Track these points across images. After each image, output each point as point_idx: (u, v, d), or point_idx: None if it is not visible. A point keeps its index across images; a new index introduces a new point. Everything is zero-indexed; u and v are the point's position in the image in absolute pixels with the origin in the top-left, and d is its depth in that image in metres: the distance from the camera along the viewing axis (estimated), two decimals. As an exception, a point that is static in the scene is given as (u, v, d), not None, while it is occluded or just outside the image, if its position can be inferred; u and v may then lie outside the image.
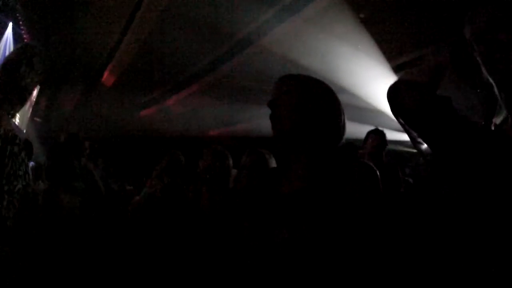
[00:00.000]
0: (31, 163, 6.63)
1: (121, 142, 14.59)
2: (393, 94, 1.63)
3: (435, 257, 1.40)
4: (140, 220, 4.36)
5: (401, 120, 1.59)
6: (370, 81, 9.19)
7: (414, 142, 1.64)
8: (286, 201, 1.68)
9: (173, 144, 11.00)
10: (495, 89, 1.43)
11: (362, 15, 7.95)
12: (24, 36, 10.94)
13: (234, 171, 4.02)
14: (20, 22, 10.60)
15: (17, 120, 12.19)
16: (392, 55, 8.74)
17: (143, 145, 14.81)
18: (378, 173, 1.67)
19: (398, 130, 11.70)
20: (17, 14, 10.37)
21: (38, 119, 13.60)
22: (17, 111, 2.26)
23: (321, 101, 1.77)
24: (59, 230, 3.08)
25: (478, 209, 1.34)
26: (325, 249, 1.53)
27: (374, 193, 1.64)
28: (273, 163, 3.31)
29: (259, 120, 11.88)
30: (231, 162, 3.66)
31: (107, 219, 4.15)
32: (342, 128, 1.82)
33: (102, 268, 3.72)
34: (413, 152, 11.70)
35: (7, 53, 10.61)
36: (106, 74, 13.14)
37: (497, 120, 1.54)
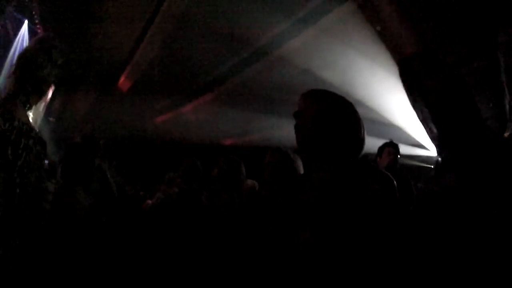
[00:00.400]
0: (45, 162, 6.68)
1: (134, 146, 14.62)
2: (412, 68, 1.35)
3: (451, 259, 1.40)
4: (151, 224, 4.37)
5: (417, 103, 1.34)
6: (384, 94, 9.16)
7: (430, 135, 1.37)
8: (309, 206, 1.76)
9: (187, 151, 11.03)
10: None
11: (378, 27, 7.94)
12: (40, 34, 11.01)
13: (250, 182, 4.03)
14: (36, 21, 10.66)
15: (30, 118, 12.21)
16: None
17: (156, 151, 14.85)
18: (395, 183, 1.70)
19: (411, 145, 11.62)
20: (33, 13, 10.43)
21: (52, 119, 13.65)
22: (34, 103, 2.21)
23: (343, 114, 1.91)
24: (73, 229, 3.09)
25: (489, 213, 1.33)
26: (344, 250, 1.60)
27: (392, 200, 1.68)
28: (298, 162, 3.33)
29: (273, 130, 11.88)
30: (244, 170, 3.68)
31: (119, 221, 4.16)
32: (362, 141, 1.94)
33: (111, 269, 3.73)
34: (425, 167, 11.64)
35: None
36: (122, 78, 13.20)
37: (506, 134, 1.51)
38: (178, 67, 11.73)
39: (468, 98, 1.31)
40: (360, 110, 1.94)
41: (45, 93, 2.29)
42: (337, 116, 1.88)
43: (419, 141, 11.06)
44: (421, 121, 1.34)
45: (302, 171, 3.27)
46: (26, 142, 2.03)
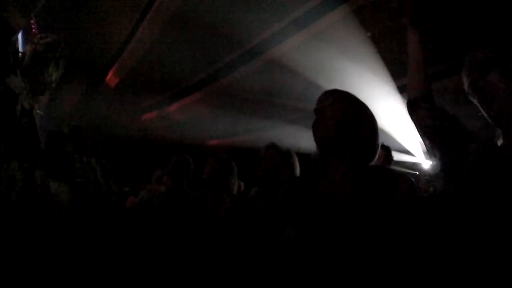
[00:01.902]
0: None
1: (119, 143, 14.56)
2: (411, 110, 1.93)
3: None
4: (135, 222, 4.32)
5: (420, 132, 1.85)
6: (374, 99, 9.19)
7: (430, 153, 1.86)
8: (329, 208, 1.78)
9: (174, 150, 10.98)
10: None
11: (369, 34, 7.96)
12: (33, 28, 10.93)
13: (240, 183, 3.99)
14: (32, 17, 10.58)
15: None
16: (398, 74, 8.75)
17: (141, 149, 14.79)
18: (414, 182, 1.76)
19: (399, 151, 11.68)
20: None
21: (40, 112, 13.58)
22: (36, 103, 2.33)
23: (363, 117, 1.95)
24: (48, 219, 3.04)
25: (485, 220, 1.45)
26: (377, 249, 1.62)
27: (418, 202, 1.74)
28: (294, 158, 3.31)
29: (260, 132, 11.87)
30: (235, 170, 3.65)
31: (103, 218, 4.10)
32: (378, 147, 1.98)
33: (92, 267, 3.68)
34: (413, 174, 11.70)
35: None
36: (110, 74, 13.15)
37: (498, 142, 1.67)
38: (165, 66, 11.70)
39: (456, 132, 1.68)
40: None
41: (46, 95, 2.40)
42: (361, 119, 1.93)
43: (406, 147, 11.14)
44: (426, 149, 1.78)
45: (298, 169, 3.26)
46: (39, 136, 2.27)
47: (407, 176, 1.78)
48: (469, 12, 6.55)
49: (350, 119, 1.91)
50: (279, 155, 3.29)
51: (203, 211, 3.41)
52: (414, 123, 1.90)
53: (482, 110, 1.61)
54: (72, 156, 3.48)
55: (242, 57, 10.16)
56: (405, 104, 1.97)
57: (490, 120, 1.59)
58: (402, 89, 8.85)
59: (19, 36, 8.58)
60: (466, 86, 1.71)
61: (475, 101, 1.67)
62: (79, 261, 3.29)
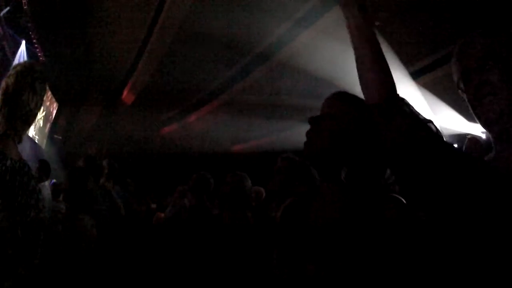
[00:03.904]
0: (52, 181, 6.68)
1: (142, 159, 14.66)
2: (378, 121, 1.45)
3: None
4: (162, 238, 4.35)
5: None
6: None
7: None
8: (316, 234, 1.61)
9: (195, 160, 11.02)
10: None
11: (377, 23, 7.92)
12: (39, 54, 11.07)
13: (256, 188, 3.98)
14: (34, 41, 10.71)
15: (36, 138, 12.39)
16: (409, 61, 8.68)
17: (164, 163, 14.87)
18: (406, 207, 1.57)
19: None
20: (30, 33, 10.49)
21: (58, 137, 13.72)
22: (23, 135, 2.24)
23: (363, 133, 1.61)
24: (78, 254, 3.09)
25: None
26: (356, 282, 1.48)
27: (403, 229, 1.54)
28: (314, 170, 3.18)
29: (279, 133, 11.86)
30: (249, 183, 3.63)
31: (127, 239, 4.15)
32: (384, 164, 1.65)
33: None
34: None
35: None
36: (125, 92, 13.27)
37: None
38: (180, 78, 11.76)
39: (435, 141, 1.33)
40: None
41: (32, 122, 2.31)
42: (356, 135, 1.60)
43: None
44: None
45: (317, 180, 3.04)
46: (21, 179, 2.07)
47: (399, 202, 1.57)
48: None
49: (347, 131, 1.60)
50: (294, 167, 3.11)
51: (232, 228, 3.38)
52: (383, 133, 1.42)
53: (472, 110, 1.35)
54: (93, 190, 3.53)
55: (252, 63, 10.18)
56: (374, 111, 1.47)
57: (480, 124, 1.34)
58: (415, 75, 8.74)
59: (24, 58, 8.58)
60: (456, 79, 1.40)
61: (465, 98, 1.38)
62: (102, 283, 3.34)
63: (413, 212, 1.54)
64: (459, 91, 1.41)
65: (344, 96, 1.71)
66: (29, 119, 2.20)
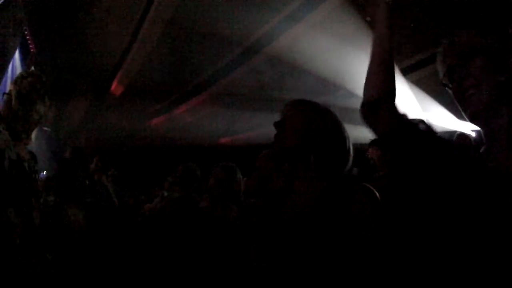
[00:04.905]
0: (42, 175, 6.66)
1: (131, 151, 14.63)
2: (369, 112, 1.62)
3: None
4: (151, 231, 4.36)
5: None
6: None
7: None
8: (291, 225, 1.73)
9: (183, 152, 11.02)
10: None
11: (368, 18, 7.92)
12: (30, 46, 11.01)
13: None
14: (26, 32, 10.65)
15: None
16: (401, 57, 8.71)
17: (153, 154, 14.86)
18: (378, 197, 1.67)
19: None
20: (22, 24, 10.43)
21: (47, 128, 13.65)
22: (30, 137, 2.52)
23: (325, 124, 1.87)
24: (66, 245, 3.11)
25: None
26: (327, 271, 1.58)
27: (375, 218, 1.66)
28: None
29: (268, 127, 11.87)
30: (240, 176, 3.63)
31: (119, 232, 4.16)
32: (347, 153, 1.89)
33: (111, 281, 3.74)
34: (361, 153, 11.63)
35: (14, 64, 10.85)
36: (114, 83, 13.22)
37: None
38: (169, 70, 11.75)
39: (423, 138, 1.41)
40: (353, 101, 1.91)
41: (37, 127, 2.61)
42: (319, 127, 1.85)
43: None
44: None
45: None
46: (35, 178, 2.36)
47: (366, 190, 1.70)
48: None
49: (310, 128, 1.84)
50: (272, 163, 3.12)
51: (213, 222, 3.39)
52: (372, 127, 1.59)
53: (458, 104, 1.37)
54: (81, 179, 3.57)
55: (241, 56, 10.19)
56: (361, 106, 1.66)
57: (467, 118, 1.35)
58: (405, 71, 8.77)
59: (17, 54, 8.66)
60: (441, 74, 1.44)
61: (451, 93, 1.41)
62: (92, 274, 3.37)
63: (382, 203, 1.64)
64: (446, 88, 1.44)
65: (299, 102, 1.98)
66: (38, 125, 2.49)
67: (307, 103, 1.97)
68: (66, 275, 2.98)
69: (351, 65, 8.60)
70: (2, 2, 7.59)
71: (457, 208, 1.26)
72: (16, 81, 2.46)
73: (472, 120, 1.35)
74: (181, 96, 13.70)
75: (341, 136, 1.88)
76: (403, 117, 1.52)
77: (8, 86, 2.53)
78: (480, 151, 1.39)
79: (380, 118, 1.53)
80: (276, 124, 1.93)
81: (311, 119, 1.87)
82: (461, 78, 1.33)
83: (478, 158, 1.37)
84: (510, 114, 1.29)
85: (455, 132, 4.90)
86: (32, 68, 10.39)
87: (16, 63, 10.79)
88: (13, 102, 2.41)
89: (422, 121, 1.47)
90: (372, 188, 1.67)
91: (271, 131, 1.94)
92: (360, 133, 2.40)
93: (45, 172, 7.25)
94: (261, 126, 12.85)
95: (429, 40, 7.61)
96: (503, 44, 1.33)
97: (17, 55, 10.73)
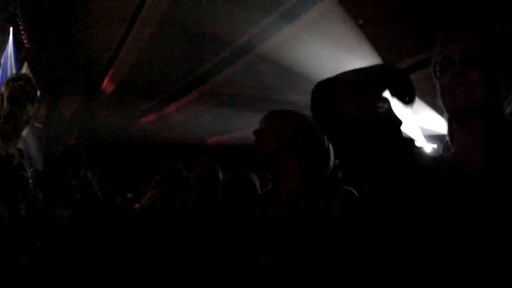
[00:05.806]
0: (31, 169, 6.64)
1: (121, 149, 14.60)
2: (327, 94, 1.41)
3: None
4: (139, 228, 4.36)
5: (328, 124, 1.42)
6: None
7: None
8: (270, 227, 1.78)
9: (173, 151, 11.00)
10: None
11: (360, 21, 7.95)
12: (25, 41, 11.01)
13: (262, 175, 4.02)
14: (20, 27, 10.66)
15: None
16: (391, 60, 8.72)
17: (143, 152, 14.83)
18: (357, 198, 1.70)
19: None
20: (17, 20, 10.44)
21: (38, 125, 13.61)
22: (19, 137, 2.62)
23: (301, 126, 1.93)
24: (54, 243, 3.11)
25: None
26: (305, 273, 1.61)
27: (354, 219, 1.70)
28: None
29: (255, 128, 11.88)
30: (220, 173, 3.63)
31: (106, 229, 4.15)
32: (326, 158, 1.95)
33: (99, 278, 3.74)
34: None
35: (8, 59, 10.82)
36: (106, 81, 13.20)
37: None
38: (160, 68, 11.75)
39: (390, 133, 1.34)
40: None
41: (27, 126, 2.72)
42: (296, 131, 1.91)
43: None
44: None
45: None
46: (22, 174, 2.47)
47: (345, 191, 1.73)
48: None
49: (287, 130, 1.91)
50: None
51: (196, 217, 3.42)
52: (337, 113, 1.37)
53: (441, 96, 1.30)
54: (68, 177, 3.61)
55: (233, 55, 10.20)
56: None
57: (446, 110, 1.29)
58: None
59: (12, 50, 8.66)
60: (433, 64, 1.35)
61: (437, 84, 1.33)
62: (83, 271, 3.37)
63: (359, 208, 1.67)
64: (434, 77, 1.36)
65: (275, 111, 2.07)
66: (27, 125, 2.64)
67: (282, 111, 2.05)
68: (53, 270, 2.98)
69: (344, 65, 8.60)
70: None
71: (429, 212, 1.24)
72: (8, 84, 2.54)
73: (452, 113, 1.29)
74: (172, 94, 13.70)
75: (318, 136, 1.93)
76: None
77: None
78: (452, 150, 1.38)
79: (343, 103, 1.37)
80: (255, 133, 2.03)
81: (287, 122, 1.94)
82: (456, 73, 1.26)
83: (448, 157, 1.35)
84: (497, 115, 1.26)
85: (444, 135, 4.92)
86: (25, 65, 10.44)
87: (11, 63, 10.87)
88: (4, 104, 2.49)
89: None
90: (352, 190, 1.71)
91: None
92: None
93: (32, 169, 7.22)
94: (252, 126, 12.83)
95: (429, 41, 7.64)
96: (502, 44, 1.31)
97: (12, 49, 10.77)
